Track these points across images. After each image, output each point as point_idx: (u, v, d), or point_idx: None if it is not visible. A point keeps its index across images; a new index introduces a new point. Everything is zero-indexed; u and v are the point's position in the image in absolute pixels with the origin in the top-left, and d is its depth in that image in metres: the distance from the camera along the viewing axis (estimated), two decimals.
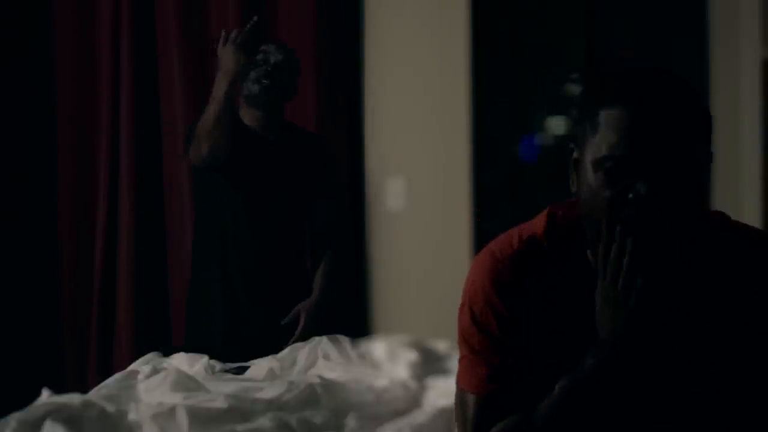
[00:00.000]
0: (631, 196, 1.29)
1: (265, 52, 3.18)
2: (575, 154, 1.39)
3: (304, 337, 3.12)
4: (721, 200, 3.47)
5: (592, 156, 1.34)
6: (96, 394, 2.50)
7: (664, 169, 1.30)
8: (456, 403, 1.49)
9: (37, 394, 2.41)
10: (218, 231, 3.24)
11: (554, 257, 1.43)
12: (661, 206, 1.29)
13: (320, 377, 2.54)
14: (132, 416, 2.27)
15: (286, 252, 3.25)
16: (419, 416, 2.34)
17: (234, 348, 2.99)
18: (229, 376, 2.71)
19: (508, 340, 1.42)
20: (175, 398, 2.35)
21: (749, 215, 3.27)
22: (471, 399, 1.45)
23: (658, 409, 1.41)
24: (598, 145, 1.33)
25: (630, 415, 1.41)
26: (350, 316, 3.66)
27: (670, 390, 1.40)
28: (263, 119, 3.22)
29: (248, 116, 3.23)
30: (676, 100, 1.32)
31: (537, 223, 1.46)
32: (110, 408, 2.29)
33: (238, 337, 3.15)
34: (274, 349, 2.94)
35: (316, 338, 2.86)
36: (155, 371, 2.61)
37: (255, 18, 3.10)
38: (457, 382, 1.48)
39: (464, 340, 1.46)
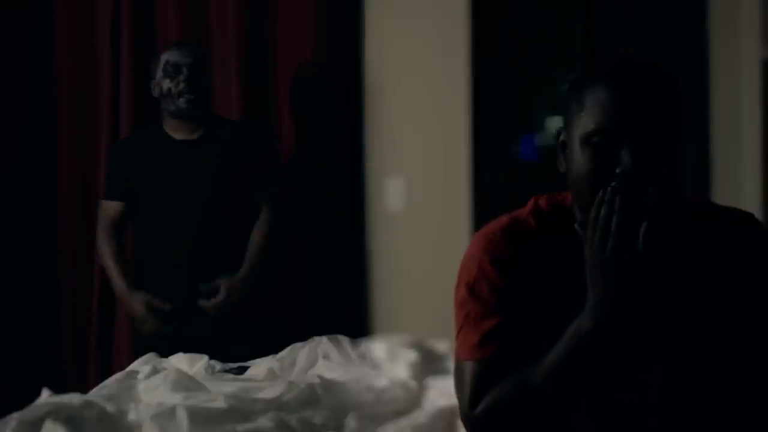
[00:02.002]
0: (618, 170, 1.37)
1: (174, 63, 3.22)
2: (562, 137, 1.48)
3: (222, 312, 3.16)
4: (722, 200, 3.46)
5: (580, 132, 1.42)
6: (96, 394, 2.49)
7: (647, 140, 1.37)
8: (454, 377, 1.52)
9: (37, 394, 2.41)
10: (150, 236, 3.31)
11: (542, 234, 1.50)
12: (645, 178, 1.36)
13: (320, 377, 2.54)
14: (132, 416, 2.26)
15: (226, 246, 3.25)
16: (419, 416, 2.34)
17: (175, 348, 3.01)
18: (229, 376, 2.71)
19: (499, 305, 1.47)
20: (175, 398, 2.34)
21: None
22: (466, 367, 1.49)
23: (652, 369, 1.45)
24: (585, 122, 1.41)
25: (625, 375, 1.45)
26: (350, 316, 3.66)
27: (663, 350, 1.44)
28: (189, 125, 3.27)
29: (170, 123, 3.28)
30: (654, 78, 1.41)
31: (523, 209, 1.56)
32: (110, 408, 2.28)
33: (177, 336, 3.16)
34: (218, 349, 2.95)
35: (316, 338, 2.85)
36: (155, 371, 2.61)
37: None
38: (455, 357, 1.52)
39: (459, 313, 1.51)
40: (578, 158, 1.43)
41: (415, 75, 3.69)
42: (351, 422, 2.29)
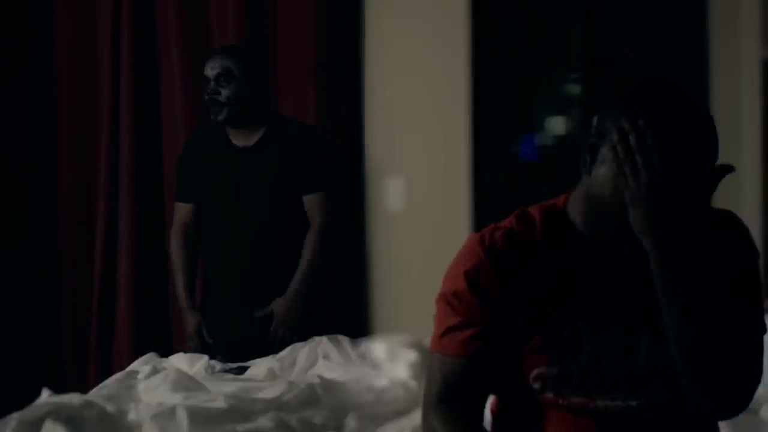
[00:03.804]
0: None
1: (206, 75, 3.18)
2: (594, 140, 1.46)
3: (282, 332, 3.14)
4: (722, 200, 3.46)
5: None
6: (96, 394, 2.50)
7: (684, 189, 1.40)
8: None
9: (37, 394, 2.41)
10: (212, 239, 3.29)
11: (527, 243, 1.52)
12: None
13: (320, 377, 2.54)
14: (132, 416, 2.26)
15: (282, 252, 3.24)
16: (419, 416, 2.34)
17: (223, 348, 3.02)
18: (229, 376, 2.71)
19: (466, 311, 1.51)
20: (175, 398, 2.34)
21: (749, 215, 3.27)
22: (432, 359, 1.55)
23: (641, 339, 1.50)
24: None
25: (615, 347, 1.50)
26: (350, 316, 3.66)
27: (651, 323, 1.48)
28: (240, 131, 3.23)
29: (230, 132, 3.25)
30: (706, 131, 1.43)
31: (509, 218, 1.57)
32: (110, 408, 2.29)
33: (227, 337, 3.17)
34: (262, 350, 2.95)
35: (316, 338, 2.85)
36: (155, 371, 2.61)
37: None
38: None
39: (436, 309, 1.56)
40: (613, 178, 1.43)
41: (415, 75, 3.69)
42: (351, 422, 2.29)
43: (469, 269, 1.51)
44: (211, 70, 3.18)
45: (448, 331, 1.52)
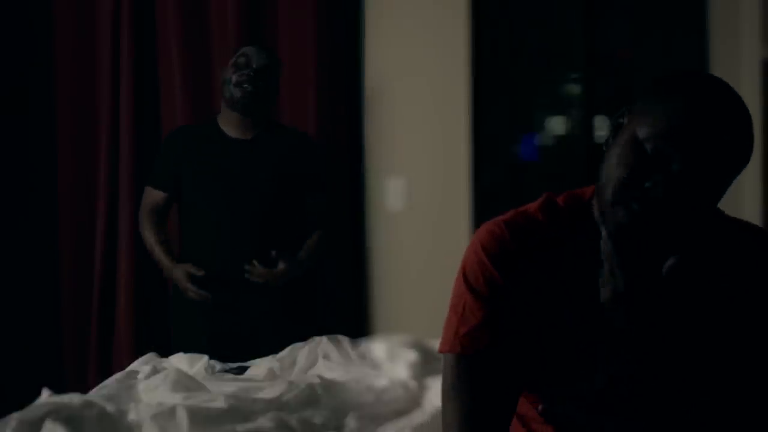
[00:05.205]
0: (648, 184, 1.31)
1: (247, 55, 3.22)
2: (621, 119, 1.40)
3: (268, 283, 3.13)
4: (722, 200, 3.46)
5: (637, 132, 1.35)
6: (96, 394, 2.50)
7: (693, 177, 1.32)
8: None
9: (37, 394, 2.41)
10: (197, 229, 3.26)
11: (551, 229, 1.44)
12: (666, 210, 1.32)
13: (320, 377, 2.54)
14: (132, 416, 2.26)
15: (270, 245, 3.24)
16: (419, 416, 2.34)
17: (220, 348, 3.01)
18: (229, 376, 2.71)
19: (490, 301, 1.42)
20: (175, 398, 2.34)
21: (749, 215, 3.27)
22: (446, 360, 1.47)
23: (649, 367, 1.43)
24: (647, 124, 1.34)
25: (622, 372, 1.43)
26: (350, 316, 3.66)
27: (660, 349, 1.41)
28: (242, 121, 3.24)
29: (226, 118, 3.26)
30: (735, 123, 1.35)
31: (532, 204, 1.49)
32: (110, 408, 2.29)
33: (223, 336, 3.16)
34: (260, 348, 2.95)
35: (316, 338, 2.86)
36: (155, 371, 2.61)
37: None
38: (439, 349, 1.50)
39: (451, 305, 1.47)
40: (620, 152, 1.36)
41: (415, 75, 3.69)
42: (351, 422, 2.29)
43: (494, 252, 1.42)
44: (259, 59, 3.22)
45: (472, 327, 1.42)
